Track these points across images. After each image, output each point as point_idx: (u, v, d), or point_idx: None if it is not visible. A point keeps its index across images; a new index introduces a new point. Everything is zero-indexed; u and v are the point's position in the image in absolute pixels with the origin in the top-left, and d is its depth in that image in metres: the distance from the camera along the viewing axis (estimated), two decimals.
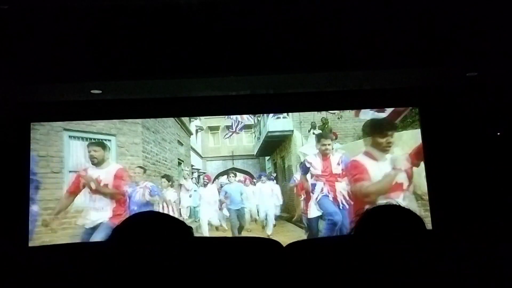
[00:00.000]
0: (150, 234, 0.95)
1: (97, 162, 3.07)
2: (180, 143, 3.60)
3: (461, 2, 2.48)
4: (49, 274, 1.29)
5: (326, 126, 3.47)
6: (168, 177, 3.30)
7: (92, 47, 2.53)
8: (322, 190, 3.29)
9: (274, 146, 3.79)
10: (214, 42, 2.54)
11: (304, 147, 3.47)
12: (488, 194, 2.92)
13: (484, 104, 3.02)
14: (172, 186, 3.26)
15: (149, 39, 2.55)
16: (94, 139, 3.10)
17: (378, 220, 1.06)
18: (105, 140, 3.10)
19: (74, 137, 3.04)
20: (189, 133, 3.72)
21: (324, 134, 3.37)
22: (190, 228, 1.03)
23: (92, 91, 2.81)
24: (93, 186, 3.03)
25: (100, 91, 2.82)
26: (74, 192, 3.03)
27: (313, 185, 3.32)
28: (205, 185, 3.48)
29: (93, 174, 3.06)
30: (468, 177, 2.97)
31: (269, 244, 1.35)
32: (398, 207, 1.11)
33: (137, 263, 0.92)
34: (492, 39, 2.51)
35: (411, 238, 1.02)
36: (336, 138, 3.42)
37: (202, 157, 3.81)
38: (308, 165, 3.33)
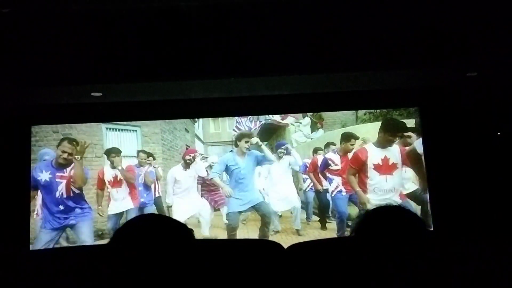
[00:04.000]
0: (151, 237, 0.95)
1: (115, 166, 3.50)
2: (187, 130, 4.01)
3: (460, 2, 2.48)
4: (50, 277, 1.29)
5: (315, 114, 3.67)
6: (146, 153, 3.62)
7: (93, 49, 2.53)
8: (337, 186, 3.42)
9: (271, 132, 4.06)
10: (215, 45, 2.55)
11: (296, 134, 3.82)
12: (489, 195, 2.92)
13: (484, 104, 3.02)
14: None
15: (149, 41, 2.55)
16: (124, 129, 3.63)
17: (379, 222, 1.07)
18: (132, 130, 3.64)
19: (109, 128, 3.54)
20: (194, 120, 4.07)
21: (352, 134, 3.45)
22: (191, 230, 1.03)
23: (92, 94, 2.81)
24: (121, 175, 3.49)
25: (101, 94, 2.82)
26: (101, 188, 3.44)
27: (330, 180, 3.45)
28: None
29: (110, 174, 3.49)
30: (468, 177, 2.97)
31: (270, 246, 1.36)
32: (398, 208, 1.11)
33: (138, 266, 0.92)
34: (492, 39, 2.50)
35: (411, 240, 1.02)
36: (322, 127, 3.65)
37: (204, 142, 4.11)
38: (330, 162, 3.47)
